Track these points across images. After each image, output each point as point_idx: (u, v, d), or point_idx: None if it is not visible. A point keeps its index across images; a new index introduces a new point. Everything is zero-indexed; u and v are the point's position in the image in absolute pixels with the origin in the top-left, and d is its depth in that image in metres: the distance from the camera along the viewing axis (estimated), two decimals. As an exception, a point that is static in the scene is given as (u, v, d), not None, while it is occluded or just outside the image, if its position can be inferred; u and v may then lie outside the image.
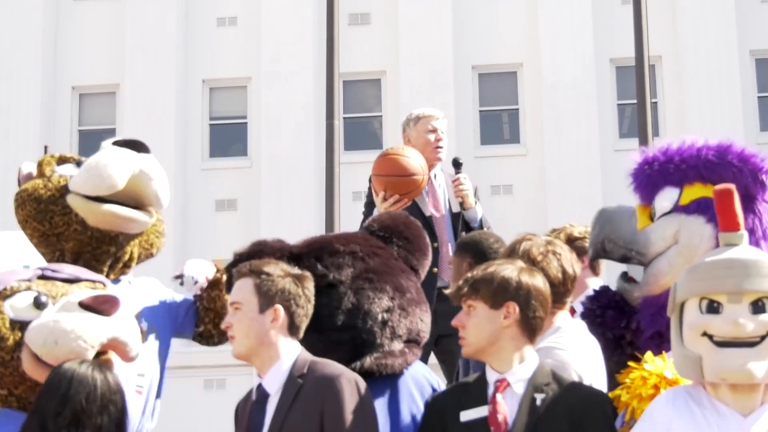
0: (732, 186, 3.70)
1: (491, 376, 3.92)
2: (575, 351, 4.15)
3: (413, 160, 6.43)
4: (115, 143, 4.98)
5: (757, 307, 3.53)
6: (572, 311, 5.68)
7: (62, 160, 5.12)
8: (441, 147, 6.80)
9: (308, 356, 4.02)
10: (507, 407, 3.84)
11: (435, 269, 6.39)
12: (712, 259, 3.60)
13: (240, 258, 4.36)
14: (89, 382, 3.83)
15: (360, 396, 3.92)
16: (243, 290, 4.04)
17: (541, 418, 3.80)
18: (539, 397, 3.83)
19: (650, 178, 4.45)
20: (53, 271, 4.45)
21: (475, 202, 6.68)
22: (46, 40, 24.84)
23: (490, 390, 3.89)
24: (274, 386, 3.98)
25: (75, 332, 4.05)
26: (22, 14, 24.67)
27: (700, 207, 4.32)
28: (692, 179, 4.38)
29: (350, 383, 3.92)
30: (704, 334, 3.55)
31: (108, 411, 3.82)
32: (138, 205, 4.95)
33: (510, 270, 3.96)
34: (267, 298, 4.00)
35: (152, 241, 5.12)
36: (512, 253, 4.31)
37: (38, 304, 4.23)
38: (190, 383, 22.37)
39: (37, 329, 4.10)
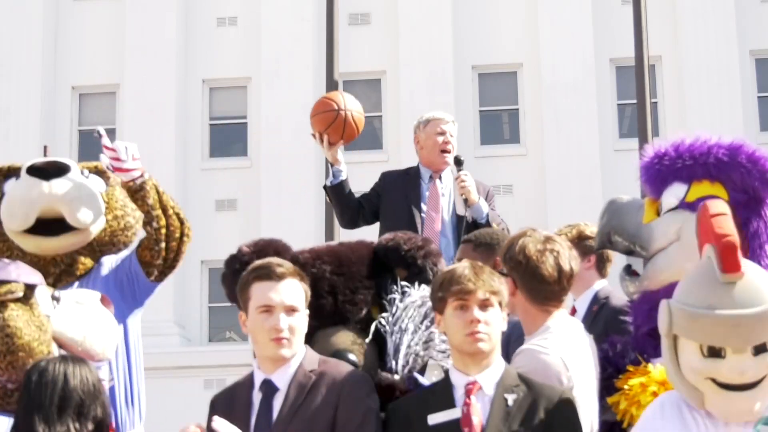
0: (733, 236, 3.51)
1: (459, 380, 3.91)
2: (560, 353, 4.12)
3: (336, 99, 6.65)
4: (29, 170, 5.03)
5: (758, 349, 3.46)
6: (573, 310, 5.69)
7: (10, 173, 5.19)
8: (448, 151, 6.79)
9: (316, 354, 4.05)
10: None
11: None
12: (716, 315, 3.42)
13: (240, 255, 4.43)
14: (81, 375, 3.90)
15: (372, 393, 3.97)
16: None
17: (514, 418, 3.81)
18: (510, 398, 3.83)
19: (660, 172, 4.43)
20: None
21: (479, 198, 6.67)
22: (46, 40, 24.83)
23: (457, 393, 3.88)
24: (282, 382, 3.99)
25: (106, 331, 4.35)
26: (22, 14, 24.66)
27: None
28: (701, 177, 4.35)
29: (367, 380, 3.98)
30: (708, 377, 3.48)
31: (100, 400, 3.90)
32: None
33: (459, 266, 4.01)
34: (243, 304, 4.06)
35: (112, 241, 5.16)
36: (510, 248, 4.31)
37: (55, 299, 4.35)
38: (190, 383, 22.36)
39: (77, 325, 4.28)
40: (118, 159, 4.92)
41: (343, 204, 6.89)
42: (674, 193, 4.40)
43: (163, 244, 5.02)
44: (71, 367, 3.89)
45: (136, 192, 5.00)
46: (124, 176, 4.98)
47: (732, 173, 4.30)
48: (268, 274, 3.99)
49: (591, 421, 4.10)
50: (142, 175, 5.00)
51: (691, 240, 4.20)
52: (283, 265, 4.02)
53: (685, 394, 3.56)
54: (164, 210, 5.03)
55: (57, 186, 4.98)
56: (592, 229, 5.66)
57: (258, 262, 4.09)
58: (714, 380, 3.47)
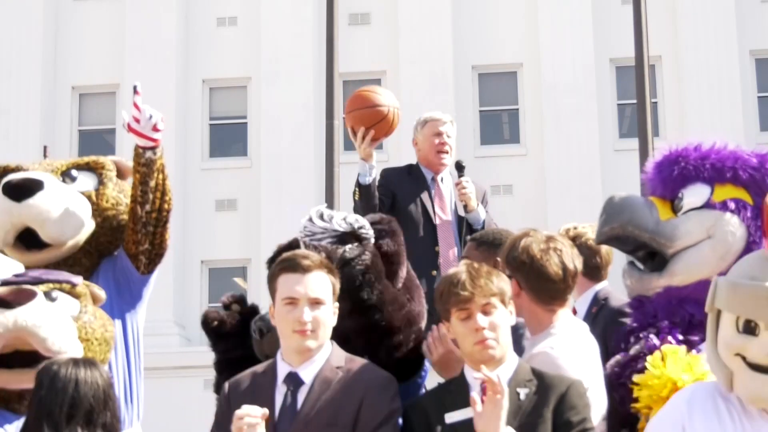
0: None
1: (473, 377, 3.92)
2: (570, 355, 4.14)
3: (379, 94, 6.47)
4: (5, 188, 4.95)
5: None
6: (574, 312, 5.69)
7: (5, 173, 5.15)
8: (446, 152, 6.74)
9: (342, 351, 4.07)
10: None
11: (434, 272, 6.40)
12: (755, 285, 3.43)
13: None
14: (92, 381, 3.86)
15: (397, 396, 3.99)
16: None
17: (525, 411, 3.85)
18: (522, 392, 3.88)
19: (682, 171, 4.48)
20: (17, 276, 4.49)
21: (478, 204, 6.65)
22: (46, 40, 24.84)
23: (473, 391, 3.88)
24: (308, 376, 3.99)
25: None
26: (22, 14, 24.67)
27: (737, 207, 4.39)
28: (726, 179, 4.44)
29: (393, 382, 4.00)
30: (738, 354, 3.46)
31: (109, 406, 3.87)
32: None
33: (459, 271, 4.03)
34: (271, 296, 4.06)
35: (108, 240, 5.13)
36: (512, 249, 4.31)
37: None
38: (190, 383, 22.35)
39: None
40: (137, 120, 4.90)
41: (373, 201, 6.58)
42: (697, 194, 4.46)
43: (151, 228, 5.02)
44: (83, 371, 3.85)
45: (143, 166, 4.97)
46: (136, 139, 4.95)
47: (759, 179, 4.41)
48: (294, 267, 3.98)
49: (598, 415, 4.12)
50: (154, 149, 4.97)
51: (725, 238, 4.35)
52: (310, 257, 4.01)
53: (716, 375, 3.55)
54: (163, 194, 5.01)
55: (27, 207, 4.92)
56: (577, 231, 5.64)
57: (286, 254, 4.09)
58: (744, 359, 3.45)
